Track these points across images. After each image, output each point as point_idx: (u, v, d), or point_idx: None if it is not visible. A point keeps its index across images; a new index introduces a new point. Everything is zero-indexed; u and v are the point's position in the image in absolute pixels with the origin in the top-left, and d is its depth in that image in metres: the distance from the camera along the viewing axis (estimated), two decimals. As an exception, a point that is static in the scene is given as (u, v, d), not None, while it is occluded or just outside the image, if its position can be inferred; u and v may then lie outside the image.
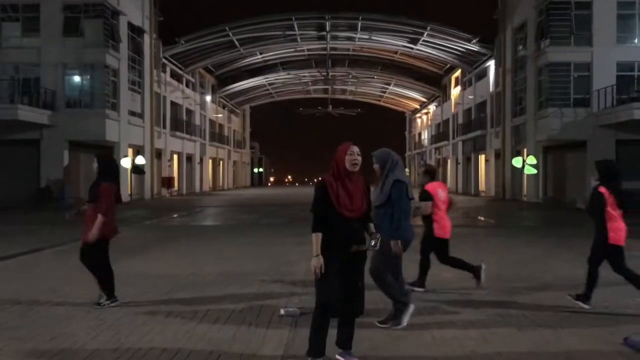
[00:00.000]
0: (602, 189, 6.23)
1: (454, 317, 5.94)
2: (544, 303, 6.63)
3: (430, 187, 7.35)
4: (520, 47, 33.98)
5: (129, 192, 31.46)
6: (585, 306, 6.32)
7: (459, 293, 7.20)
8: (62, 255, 10.52)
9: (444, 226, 7.36)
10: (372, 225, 4.45)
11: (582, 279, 6.63)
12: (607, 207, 6.15)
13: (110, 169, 6.71)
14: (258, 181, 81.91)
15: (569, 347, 4.96)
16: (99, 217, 6.31)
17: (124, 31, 31.56)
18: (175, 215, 21.65)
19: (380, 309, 6.17)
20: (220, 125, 58.37)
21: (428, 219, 7.35)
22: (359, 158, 4.35)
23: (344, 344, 4.48)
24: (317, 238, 4.29)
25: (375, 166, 5.68)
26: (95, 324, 5.67)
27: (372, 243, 4.32)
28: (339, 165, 4.35)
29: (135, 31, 33.70)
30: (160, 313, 6.09)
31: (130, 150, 32.51)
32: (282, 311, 6.05)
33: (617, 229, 6.21)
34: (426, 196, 7.27)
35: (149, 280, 7.86)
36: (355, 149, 4.36)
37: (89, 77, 29.38)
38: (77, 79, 29.53)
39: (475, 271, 7.32)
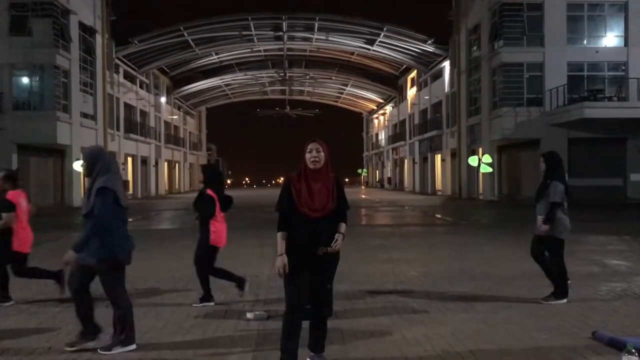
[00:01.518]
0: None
1: (423, 317, 5.87)
2: (511, 299, 6.64)
3: (12, 195, 6.60)
4: (475, 48, 34.58)
5: (82, 197, 30.53)
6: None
7: (426, 292, 7.15)
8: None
9: (24, 238, 6.70)
10: (342, 225, 4.26)
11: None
12: None
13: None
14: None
15: (539, 342, 4.95)
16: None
17: (74, 31, 30.67)
18: (129, 220, 21.04)
19: (349, 310, 6.07)
20: (176, 127, 57.44)
21: (7, 232, 6.55)
22: (320, 155, 4.15)
23: (315, 347, 4.34)
24: (281, 237, 4.16)
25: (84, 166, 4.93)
26: (48, 336, 5.35)
27: (333, 244, 4.11)
28: (304, 164, 4.20)
29: (87, 31, 32.80)
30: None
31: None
32: (248, 315, 5.87)
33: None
34: (6, 206, 6.53)
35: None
36: (315, 145, 4.18)
37: (38, 78, 28.46)
38: (25, 80, 28.57)
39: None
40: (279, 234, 4.18)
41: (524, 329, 5.37)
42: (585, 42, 29.87)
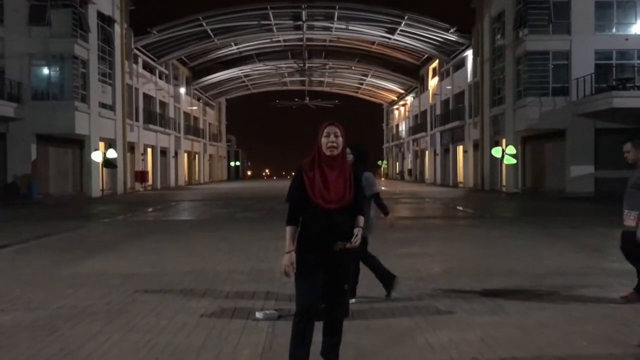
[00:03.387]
0: None
1: (448, 319, 5.38)
2: (544, 299, 6.12)
3: None
4: (498, 37, 33.68)
5: (101, 187, 30.49)
6: None
7: (450, 291, 6.65)
8: (22, 255, 9.77)
9: None
10: (360, 219, 3.82)
11: (576, 271, 6.16)
12: None
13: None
14: (235, 175, 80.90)
15: (579, 350, 4.45)
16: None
17: (93, 21, 30.47)
18: (148, 210, 20.84)
19: (366, 311, 5.61)
20: (195, 118, 57.29)
21: None
22: (338, 140, 3.70)
23: (328, 354, 3.88)
24: (290, 232, 3.73)
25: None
26: (43, 334, 4.99)
27: (353, 240, 3.70)
28: (318, 149, 3.74)
29: (105, 21, 32.59)
30: (119, 319, 5.44)
31: (101, 144, 31.48)
32: (258, 315, 5.44)
33: None
34: None
35: (110, 282, 7.17)
36: (333, 129, 3.72)
37: (56, 68, 28.27)
38: (44, 70, 28.36)
39: None
40: (288, 229, 3.74)
41: (561, 334, 4.86)
42: (614, 29, 28.81)
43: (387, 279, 6.09)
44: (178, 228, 14.22)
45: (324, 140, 3.72)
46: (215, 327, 5.13)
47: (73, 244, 11.06)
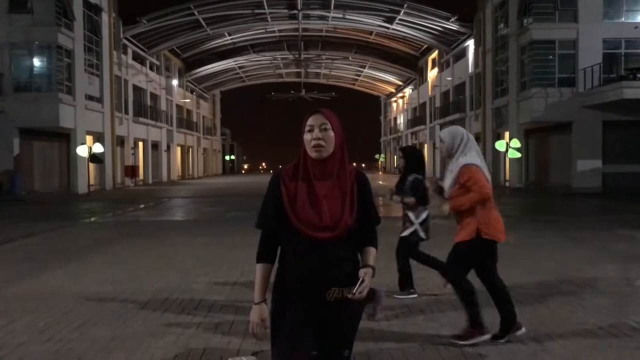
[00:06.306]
0: None
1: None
2: (590, 329, 4.92)
3: None
4: (501, 26, 32.44)
5: (88, 183, 29.22)
6: None
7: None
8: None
9: None
10: (370, 253, 2.56)
11: (622, 289, 4.97)
12: None
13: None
14: (230, 169, 79.70)
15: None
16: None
17: (78, 9, 29.10)
18: (131, 209, 19.57)
19: (371, 353, 4.41)
20: (189, 111, 55.95)
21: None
22: (328, 136, 2.46)
23: None
24: (260, 273, 2.54)
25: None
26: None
27: (356, 288, 2.41)
28: (304, 152, 2.51)
29: (92, 9, 31.22)
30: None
31: (89, 138, 30.17)
32: (231, 361, 4.24)
33: None
34: None
35: (59, 306, 5.92)
36: (319, 120, 2.48)
37: (39, 58, 27.00)
38: (26, 60, 27.03)
39: None
40: (258, 268, 2.55)
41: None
42: (622, 17, 27.62)
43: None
44: (159, 231, 12.98)
45: (306, 137, 2.49)
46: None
47: (37, 251, 9.85)
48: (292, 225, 2.45)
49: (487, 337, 4.55)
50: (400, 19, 40.05)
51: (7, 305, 6.01)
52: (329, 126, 2.46)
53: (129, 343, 4.72)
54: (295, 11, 40.68)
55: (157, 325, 5.20)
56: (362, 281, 2.43)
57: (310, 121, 2.49)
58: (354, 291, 2.40)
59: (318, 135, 2.45)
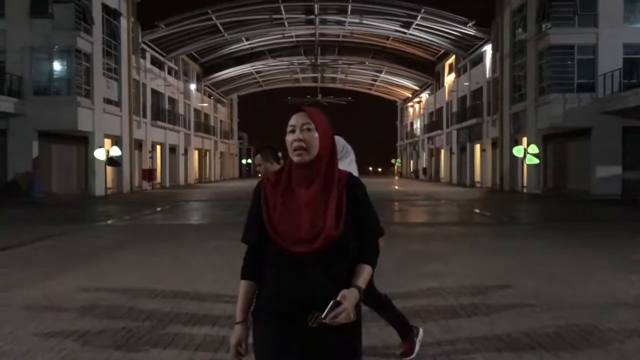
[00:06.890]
0: None
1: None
2: (617, 347, 4.80)
3: None
4: (519, 30, 32.17)
5: (106, 186, 29.46)
6: None
7: (497, 339, 5.35)
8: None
9: None
10: (364, 271, 2.20)
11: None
12: None
13: None
14: (247, 173, 79.89)
15: None
16: None
17: (97, 13, 29.43)
18: (147, 212, 19.66)
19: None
20: (206, 115, 56.25)
21: None
22: (311, 137, 2.18)
23: None
24: (243, 291, 2.27)
25: None
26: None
27: (326, 311, 2.02)
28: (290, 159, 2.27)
29: (111, 14, 31.55)
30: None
31: (107, 141, 30.43)
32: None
33: None
34: None
35: (62, 316, 5.77)
36: (301, 119, 2.21)
37: (59, 62, 27.29)
38: (46, 64, 27.34)
39: None
40: (242, 285, 2.28)
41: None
42: (643, 22, 27.26)
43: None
44: (172, 234, 13.01)
45: (287, 138, 2.22)
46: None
47: (50, 255, 9.91)
48: (270, 239, 2.20)
49: (421, 334, 4.48)
50: (417, 24, 39.92)
51: (10, 315, 5.91)
52: (312, 126, 2.19)
53: (133, 354, 4.68)
54: (312, 16, 40.75)
55: (162, 336, 5.14)
56: (337, 304, 2.02)
57: (292, 121, 2.22)
58: (323, 316, 2.01)
59: (299, 136, 2.18)
